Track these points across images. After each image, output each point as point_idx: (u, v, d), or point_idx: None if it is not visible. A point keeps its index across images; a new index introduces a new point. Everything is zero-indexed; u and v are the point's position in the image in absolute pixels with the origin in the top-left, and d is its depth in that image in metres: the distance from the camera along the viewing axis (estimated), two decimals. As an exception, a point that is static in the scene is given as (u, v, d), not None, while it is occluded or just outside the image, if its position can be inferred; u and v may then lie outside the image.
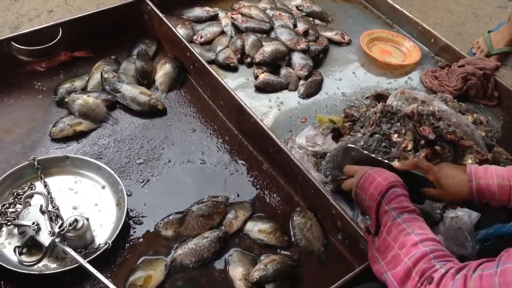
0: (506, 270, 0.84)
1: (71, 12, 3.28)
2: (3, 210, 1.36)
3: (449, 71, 1.97)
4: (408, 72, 2.08)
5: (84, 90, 1.76)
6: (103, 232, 1.38)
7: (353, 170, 1.30)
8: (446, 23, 2.90)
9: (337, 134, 1.71)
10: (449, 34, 2.73)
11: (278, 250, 1.41)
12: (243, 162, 1.62)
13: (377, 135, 1.63)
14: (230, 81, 1.88)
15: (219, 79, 1.68)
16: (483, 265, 0.91)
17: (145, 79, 1.81)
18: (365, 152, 1.37)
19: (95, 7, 3.35)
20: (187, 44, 1.81)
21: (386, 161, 1.34)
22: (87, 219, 1.31)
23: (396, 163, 1.37)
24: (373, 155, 1.37)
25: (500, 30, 2.65)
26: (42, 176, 1.46)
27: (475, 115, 1.75)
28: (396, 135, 1.61)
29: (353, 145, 1.42)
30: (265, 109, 1.82)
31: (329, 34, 2.15)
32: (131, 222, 1.42)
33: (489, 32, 2.67)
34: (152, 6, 1.91)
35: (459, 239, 1.34)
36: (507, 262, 0.85)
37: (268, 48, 1.94)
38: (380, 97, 1.85)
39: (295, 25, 2.11)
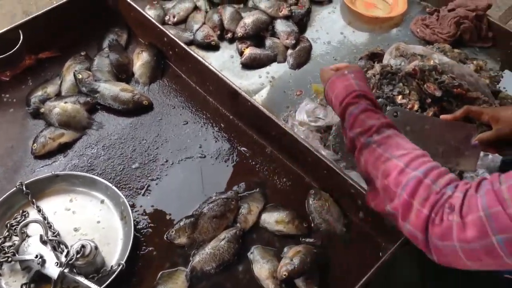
0: None
1: (20, 3, 3.05)
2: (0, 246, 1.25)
3: (439, 16, 1.87)
4: (397, 24, 1.97)
5: (58, 95, 1.60)
6: (112, 251, 1.28)
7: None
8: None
9: (337, 103, 1.61)
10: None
11: (300, 239, 1.34)
12: (245, 149, 1.52)
13: (380, 99, 1.54)
14: (213, 61, 1.75)
15: (206, 63, 1.55)
16: (506, 177, 0.83)
17: (122, 73, 1.67)
18: (410, 111, 1.32)
19: (45, -6, 3.12)
20: (162, 28, 1.65)
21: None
22: (94, 242, 1.21)
23: (446, 116, 1.28)
24: (418, 113, 1.31)
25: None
26: (34, 201, 1.33)
27: (475, 62, 1.68)
28: (400, 96, 1.52)
29: (396, 108, 1.34)
30: (257, 87, 1.70)
31: (308, -7, 2.01)
32: (139, 235, 1.33)
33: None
34: (116, -10, 1.74)
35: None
36: None
37: (249, 19, 1.80)
38: (375, 56, 1.75)
39: (272, -11, 1.96)
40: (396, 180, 0.93)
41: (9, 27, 1.59)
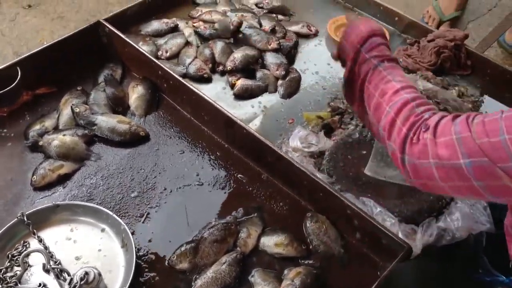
0: None
1: (11, 44, 3.11)
2: (1, 276, 1.24)
3: (420, 47, 1.97)
4: (380, 55, 2.07)
5: (56, 129, 1.63)
6: (114, 279, 1.29)
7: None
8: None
9: (328, 130, 1.68)
10: (396, 6, 2.70)
11: (300, 261, 1.36)
12: (241, 176, 1.56)
13: (370, 125, 1.61)
14: (206, 93, 1.78)
15: (201, 94, 1.61)
16: (483, 115, 0.92)
17: (119, 106, 1.71)
18: None
19: (34, 35, 3.20)
20: (157, 62, 1.72)
21: None
22: (97, 269, 1.22)
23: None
24: None
25: (447, -5, 2.71)
26: (35, 231, 1.34)
27: (457, 88, 1.77)
28: (388, 121, 1.59)
29: None
30: (250, 116, 1.76)
31: (295, 27, 2.10)
32: (140, 262, 1.34)
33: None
34: (111, 28, 1.80)
35: (475, 216, 1.34)
36: None
37: (238, 54, 1.87)
38: (361, 84, 1.83)
39: (260, 24, 2.05)
40: (389, 98, 1.07)
41: (7, 64, 1.64)
